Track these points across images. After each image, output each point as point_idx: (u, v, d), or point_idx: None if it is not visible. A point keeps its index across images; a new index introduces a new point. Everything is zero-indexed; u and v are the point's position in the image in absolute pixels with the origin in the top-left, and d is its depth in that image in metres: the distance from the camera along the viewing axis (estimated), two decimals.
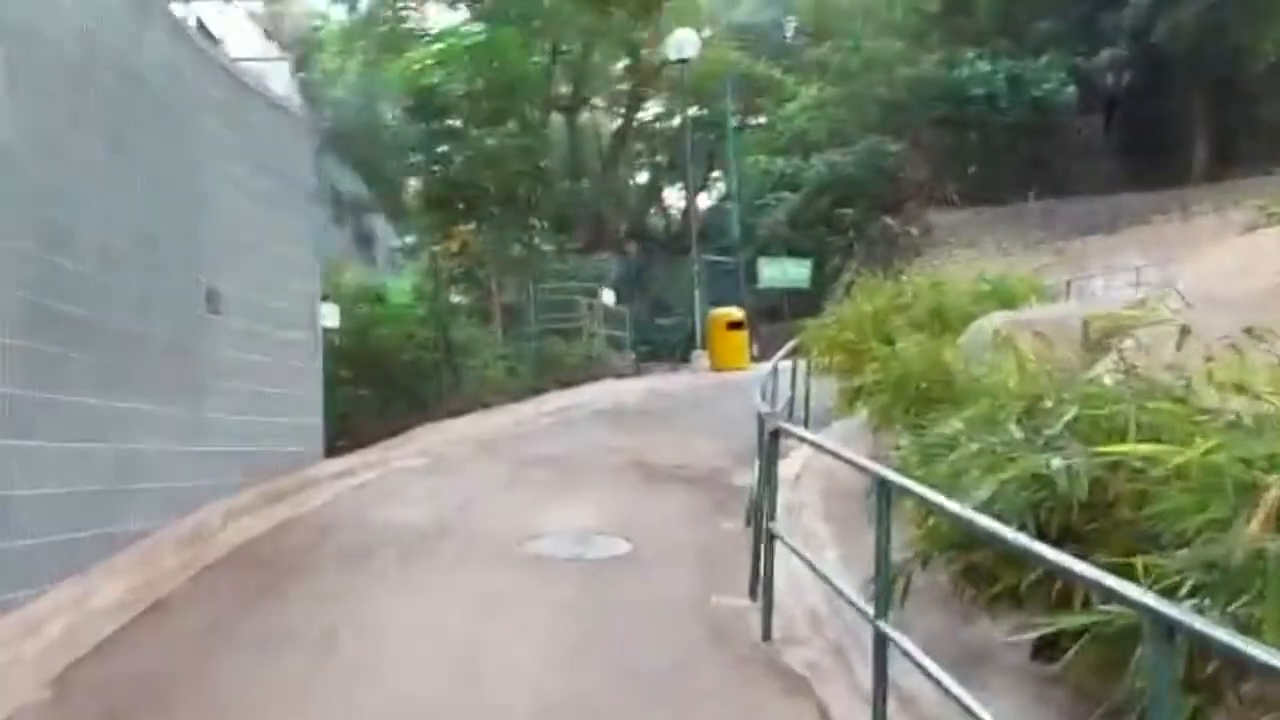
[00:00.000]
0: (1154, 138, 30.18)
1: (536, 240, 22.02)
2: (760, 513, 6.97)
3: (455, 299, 17.06)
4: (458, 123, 22.70)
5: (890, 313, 11.60)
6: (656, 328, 28.05)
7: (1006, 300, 13.29)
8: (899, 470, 5.82)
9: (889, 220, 28.06)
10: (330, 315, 12.82)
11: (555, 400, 17.08)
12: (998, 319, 11.94)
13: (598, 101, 36.58)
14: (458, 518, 9.24)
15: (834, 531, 8.36)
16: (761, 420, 7.34)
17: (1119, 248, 26.82)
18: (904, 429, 8.22)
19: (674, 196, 40.99)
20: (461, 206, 22.61)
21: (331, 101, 33.14)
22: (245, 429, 9.96)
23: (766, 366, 21.90)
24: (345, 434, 13.93)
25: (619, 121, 36.30)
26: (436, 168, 22.30)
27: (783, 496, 9.80)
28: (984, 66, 29.18)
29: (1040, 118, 29.02)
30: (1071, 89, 29.29)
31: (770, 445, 7.09)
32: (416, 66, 23.02)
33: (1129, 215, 28.29)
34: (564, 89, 31.47)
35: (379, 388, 14.34)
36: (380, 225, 36.03)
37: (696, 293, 21.65)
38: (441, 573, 7.63)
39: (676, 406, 15.94)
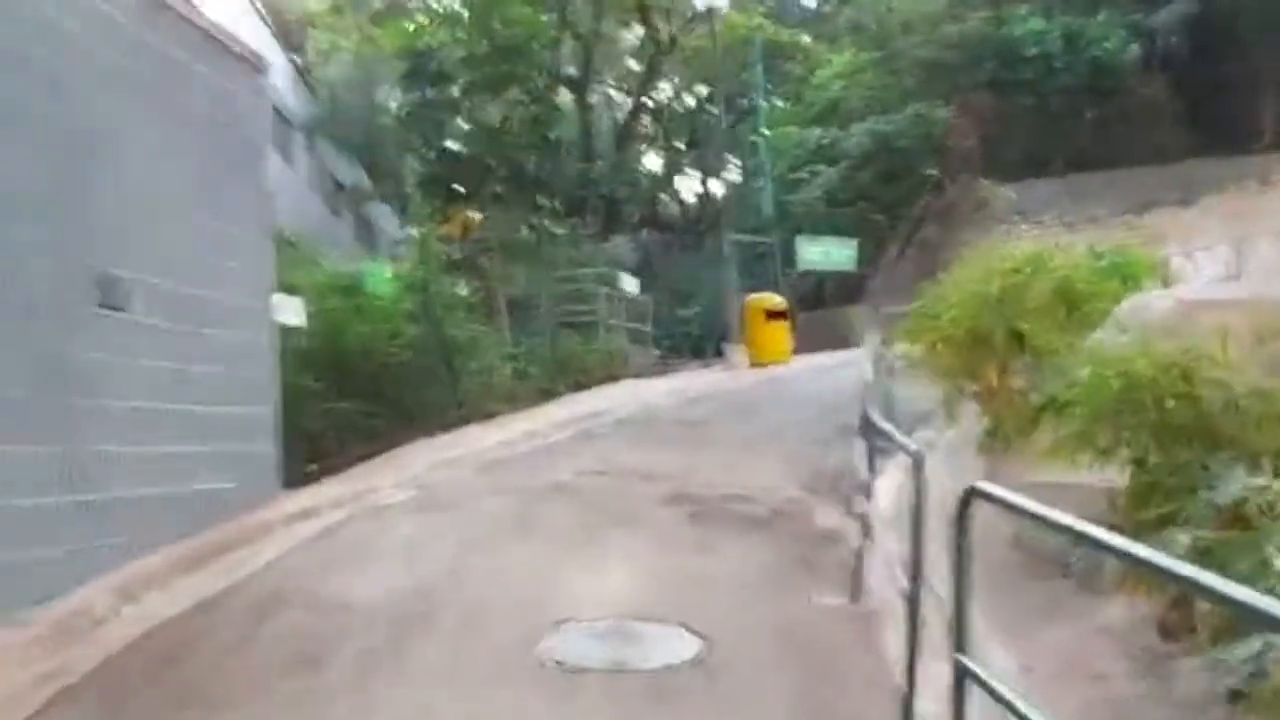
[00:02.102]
0: (1220, 101, 27.41)
1: (547, 223, 19.39)
2: (930, 630, 4.33)
3: (456, 290, 14.39)
4: (457, 91, 20.12)
5: (1010, 295, 8.91)
6: (676, 319, 25.43)
7: (1130, 278, 10.74)
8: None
9: (939, 194, 25.31)
10: (293, 311, 10.22)
11: (572, 407, 14.47)
12: (1155, 302, 9.36)
13: (609, 80, 33.88)
14: (447, 588, 6.64)
15: (996, 619, 5.73)
16: (916, 463, 4.69)
17: (1197, 220, 24.07)
18: (1125, 463, 5.54)
19: (690, 181, 38.39)
20: (462, 186, 20.10)
21: (327, 82, 30.70)
22: (161, 466, 7.40)
23: (816, 361, 19.38)
24: (317, 457, 11.38)
25: (632, 101, 33.59)
26: (434, 142, 19.70)
27: (885, 544, 7.24)
28: (1038, 24, 26.38)
29: (1100, 80, 26.18)
30: (1134, 48, 26.47)
31: (959, 525, 4.31)
32: (411, 28, 20.52)
33: (1202, 184, 25.51)
34: (572, 69, 28.87)
35: (358, 399, 11.75)
36: (384, 216, 33.58)
37: (731, 279, 18.91)
38: (416, 700, 5.03)
39: (718, 413, 13.29)
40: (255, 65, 9.52)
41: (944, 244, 26.47)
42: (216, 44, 8.84)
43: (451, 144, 19.20)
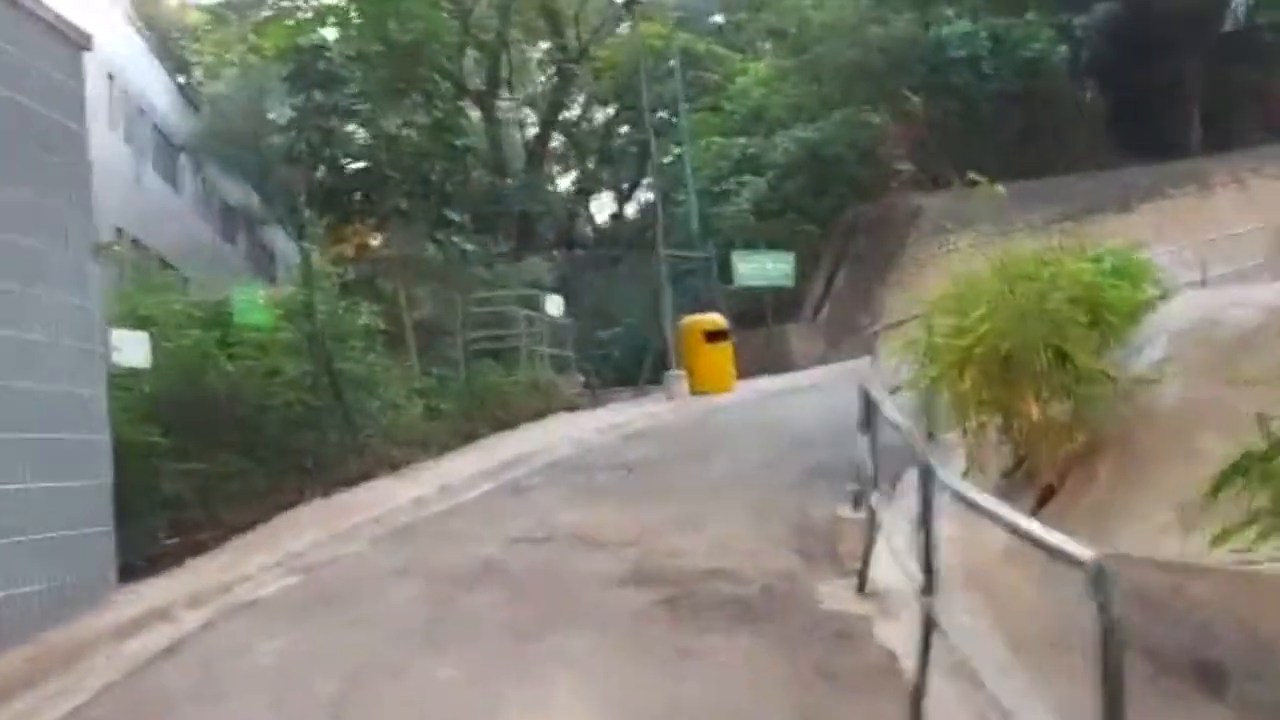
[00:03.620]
0: (1148, 105, 26.85)
1: (456, 239, 17.29)
2: None
3: (351, 316, 12.23)
4: (349, 95, 17.94)
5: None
6: (597, 343, 23.51)
7: (1136, 283, 9.21)
8: None
9: (870, 204, 23.98)
10: (136, 350, 8.03)
11: (495, 450, 12.43)
12: (1196, 307, 7.81)
13: (519, 96, 31.93)
14: None
15: None
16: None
17: (1138, 226, 23.14)
18: None
19: (606, 198, 36.67)
20: (358, 200, 17.90)
21: (212, 99, 28.12)
22: None
23: (761, 385, 17.59)
24: (179, 529, 9.18)
25: (542, 116, 31.69)
26: (323, 151, 17.49)
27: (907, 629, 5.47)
28: (964, 25, 25.30)
29: (1031, 83, 25.20)
30: (1063, 49, 25.62)
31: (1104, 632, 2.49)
32: (291, 23, 18.32)
33: (1140, 190, 24.75)
34: (478, 81, 26.84)
35: (227, 454, 9.55)
36: (282, 239, 30.96)
37: (666, 298, 17.04)
38: None
39: (668, 454, 11.37)
40: (71, 38, 7.34)
41: (877, 256, 25.17)
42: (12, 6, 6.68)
43: (344, 153, 16.96)
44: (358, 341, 12.24)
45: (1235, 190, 25.01)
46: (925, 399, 7.83)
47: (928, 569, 4.78)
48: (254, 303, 10.24)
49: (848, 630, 5.85)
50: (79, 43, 7.49)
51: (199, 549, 9.03)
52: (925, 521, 4.86)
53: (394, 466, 11.51)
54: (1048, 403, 6.77)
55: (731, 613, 6.20)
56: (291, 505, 10.21)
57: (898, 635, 5.77)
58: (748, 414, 13.62)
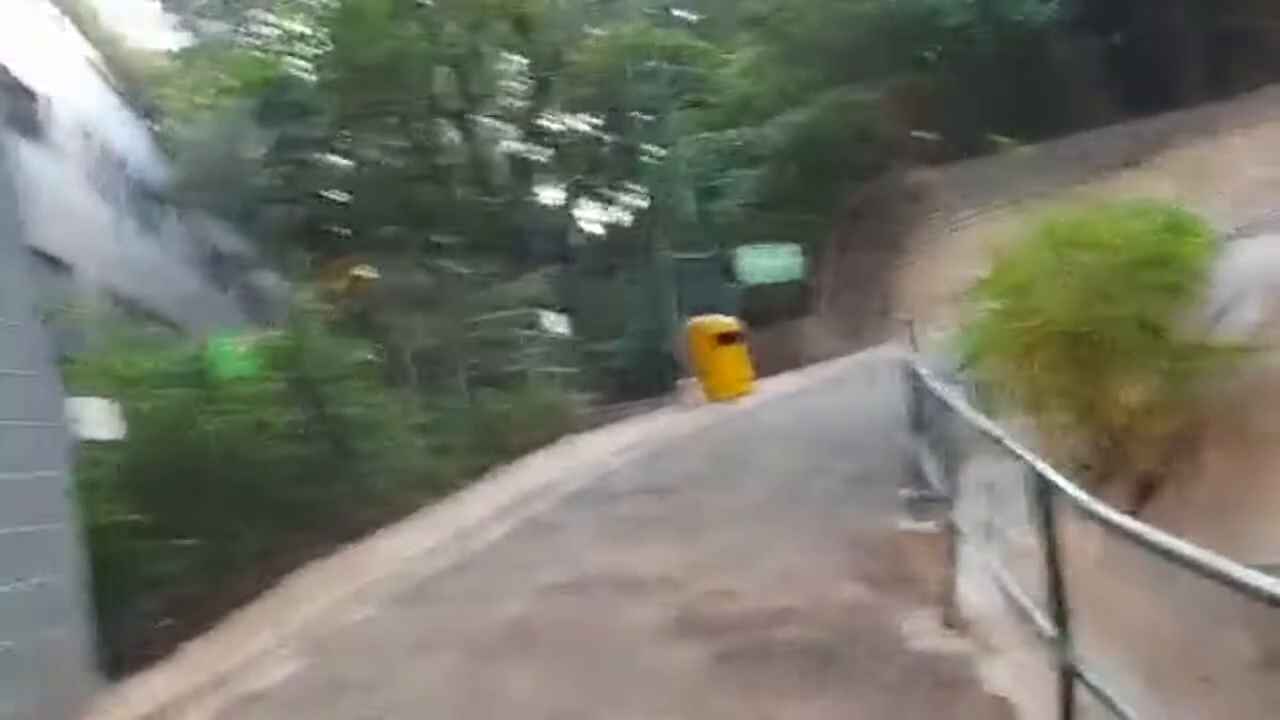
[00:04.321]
0: (1146, 55, 26.03)
1: (448, 263, 16.44)
2: None
3: (342, 355, 11.37)
4: (322, 125, 17.11)
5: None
6: (601, 355, 22.67)
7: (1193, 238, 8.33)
8: None
9: (871, 186, 23.15)
10: (100, 418, 7.18)
11: (507, 485, 11.58)
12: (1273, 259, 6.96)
13: (496, 110, 31.06)
14: None
15: None
16: None
17: (1153, 181, 22.27)
18: None
19: (597, 207, 35.75)
20: (342, 231, 17.07)
21: (187, 145, 27.30)
22: None
23: (781, 387, 16.70)
24: (175, 609, 8.33)
25: (521, 129, 30.80)
26: (302, 185, 16.64)
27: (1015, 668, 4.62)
28: None
29: (1024, 47, 24.36)
30: (1052, 6, 24.78)
31: None
32: (259, 54, 17.47)
33: (1147, 143, 23.87)
34: (453, 100, 25.94)
35: (219, 519, 8.69)
36: (273, 282, 30.09)
37: (671, 304, 16.15)
38: None
39: (696, 473, 10.48)
40: None
41: (884, 238, 24.33)
42: None
43: (324, 185, 16.14)
44: (354, 381, 11.38)
45: (1244, 136, 24.11)
46: (983, 390, 6.97)
47: (1059, 615, 3.90)
48: (232, 352, 9.41)
49: (949, 677, 4.98)
50: None
51: (197, 628, 8.17)
52: (1050, 553, 4.00)
53: (403, 512, 10.66)
54: (1139, 384, 5.91)
55: (806, 665, 5.33)
56: (296, 567, 9.37)
57: (1007, 678, 4.92)
58: (773, 419, 12.76)
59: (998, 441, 4.55)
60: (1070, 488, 3.71)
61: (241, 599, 8.66)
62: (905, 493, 7.77)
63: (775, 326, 19.90)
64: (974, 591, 5.84)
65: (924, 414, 7.62)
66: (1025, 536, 6.81)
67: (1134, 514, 5.85)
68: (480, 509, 10.40)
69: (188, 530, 8.63)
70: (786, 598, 6.31)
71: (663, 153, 25.31)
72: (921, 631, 5.62)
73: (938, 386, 6.01)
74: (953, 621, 5.63)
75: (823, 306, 21.91)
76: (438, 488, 11.47)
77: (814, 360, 18.87)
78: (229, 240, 27.24)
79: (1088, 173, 23.38)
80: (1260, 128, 24.32)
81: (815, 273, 21.70)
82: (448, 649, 6.34)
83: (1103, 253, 6.60)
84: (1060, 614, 3.89)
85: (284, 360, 10.16)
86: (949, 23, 24.08)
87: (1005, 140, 7.98)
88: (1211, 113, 24.58)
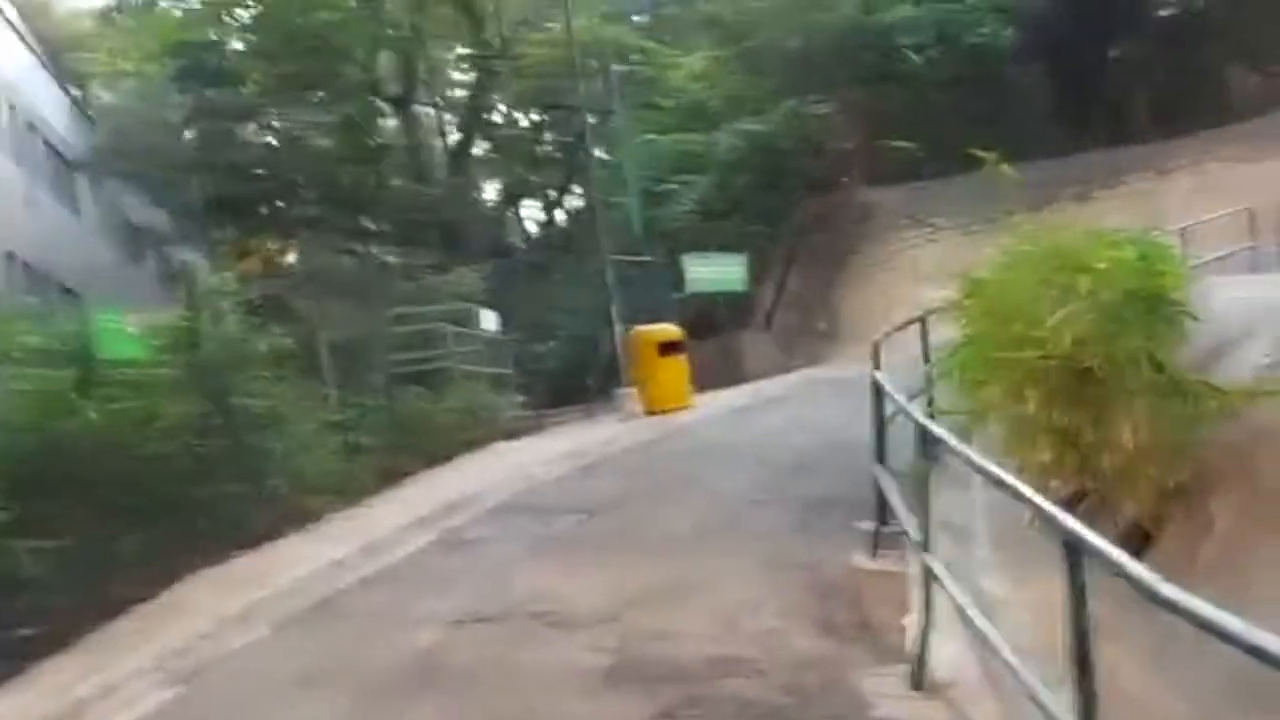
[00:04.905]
0: (1100, 89, 26.12)
1: (375, 250, 15.44)
2: None
3: (249, 343, 10.33)
4: (247, 93, 16.00)
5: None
6: (532, 357, 21.79)
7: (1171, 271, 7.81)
8: None
9: (821, 200, 22.65)
10: None
11: (427, 492, 10.66)
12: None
13: (438, 99, 29.94)
14: None
15: None
16: None
17: (1100, 215, 22.14)
18: None
19: (537, 204, 34.81)
20: (264, 210, 15.97)
21: (108, 112, 25.79)
22: None
23: (723, 400, 15.94)
24: (41, 616, 7.31)
25: (463, 119, 29.75)
26: (222, 156, 15.53)
27: None
28: (908, 10, 24.12)
29: (979, 69, 24.13)
30: (1009, 34, 24.60)
31: None
32: (179, 15, 16.28)
33: (1097, 178, 23.80)
34: (394, 85, 24.82)
35: (97, 519, 7.67)
36: (193, 259, 28.51)
37: (615, 306, 15.35)
38: None
39: (635, 489, 9.69)
40: None
41: (831, 255, 23.84)
42: None
43: (244, 158, 15.04)
44: (261, 371, 10.34)
45: (1193, 175, 24.18)
46: (966, 426, 6.31)
47: (1085, 711, 3.18)
48: (121, 331, 8.38)
49: None
50: None
51: (59, 642, 7.14)
52: (1078, 629, 3.28)
53: (308, 519, 9.69)
54: (1143, 425, 5.27)
55: None
56: (181, 576, 8.34)
57: None
58: (717, 435, 12.03)
59: (1007, 488, 3.82)
60: (1110, 549, 3.01)
61: (115, 610, 7.63)
62: (865, 525, 7.08)
63: (715, 338, 19.25)
64: (948, 648, 5.14)
65: (888, 442, 6.96)
66: (1002, 586, 6.20)
67: None
68: (395, 518, 9.48)
69: (59, 529, 7.62)
70: (733, 644, 5.57)
71: (608, 154, 24.51)
72: (887, 695, 4.91)
73: (924, 418, 5.30)
74: (922, 683, 4.93)
75: (765, 320, 21.30)
76: (350, 493, 10.50)
77: (751, 376, 18.21)
78: (149, 213, 25.80)
79: (1038, 201, 23.17)
80: (1208, 166, 24.44)
81: (760, 285, 21.09)
82: (341, 686, 5.47)
83: (1099, 281, 5.99)
84: (1087, 709, 3.18)
85: (183, 344, 9.12)
86: (906, 41, 23.73)
87: (988, 156, 7.31)
88: (1162, 150, 24.63)
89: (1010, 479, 3.90)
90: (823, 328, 21.50)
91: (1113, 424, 5.22)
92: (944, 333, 8.61)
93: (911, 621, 5.68)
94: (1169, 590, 2.51)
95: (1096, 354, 5.20)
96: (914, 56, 23.39)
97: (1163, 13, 25.50)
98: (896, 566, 6.66)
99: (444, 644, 5.98)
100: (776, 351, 19.82)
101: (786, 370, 18.55)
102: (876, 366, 7.83)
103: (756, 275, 20.62)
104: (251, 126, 15.98)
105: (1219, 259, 15.40)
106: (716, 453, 10.85)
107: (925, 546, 5.02)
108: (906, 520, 6.00)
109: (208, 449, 8.91)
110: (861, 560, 6.91)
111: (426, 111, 28.36)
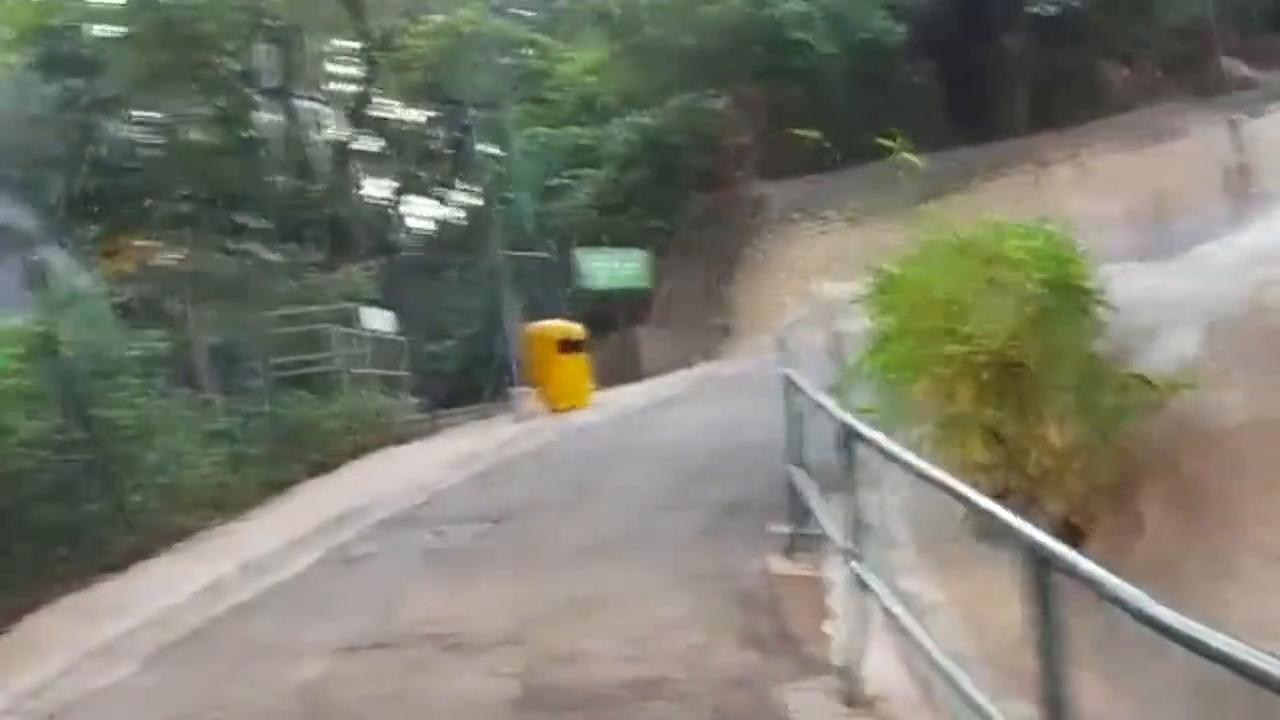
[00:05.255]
0: (981, 85, 26.76)
1: (255, 248, 14.60)
2: None
3: (117, 349, 9.54)
4: (110, 84, 14.97)
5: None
6: (427, 357, 21.12)
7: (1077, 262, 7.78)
8: None
9: (715, 194, 22.51)
10: None
11: (312, 504, 10.02)
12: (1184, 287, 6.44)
13: (320, 94, 28.80)
14: None
15: None
16: None
17: (983, 206, 22.53)
18: None
19: (427, 201, 33.93)
20: (134, 206, 14.97)
21: None
22: None
23: (624, 399, 15.59)
24: None
25: (347, 114, 28.69)
26: (84, 150, 14.49)
27: None
28: (800, 5, 24.16)
29: (870, 65, 24.37)
30: (899, 30, 24.91)
31: None
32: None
33: (979, 171, 24.29)
34: (272, 79, 23.66)
35: None
36: (59, 259, 26.80)
37: (511, 306, 14.83)
38: None
39: (537, 495, 9.25)
40: None
41: (724, 250, 23.73)
42: None
43: (112, 152, 14.05)
44: (131, 379, 9.57)
45: (1072, 168, 24.88)
46: (885, 424, 6.07)
47: None
48: None
49: None
50: None
51: None
52: (1048, 651, 3.00)
53: (183, 537, 8.97)
54: (1071, 421, 5.09)
55: None
56: (38, 605, 7.59)
57: None
58: (620, 436, 11.67)
59: (969, 503, 3.52)
60: (1085, 564, 2.73)
61: None
62: (781, 529, 6.81)
63: (612, 335, 18.88)
64: (875, 657, 4.87)
65: (806, 441, 6.69)
66: (927, 587, 5.98)
67: None
68: (277, 534, 8.84)
69: None
70: (652, 663, 5.21)
71: (499, 149, 23.93)
72: (816, 710, 4.61)
73: (850, 417, 5.00)
74: (855, 699, 4.64)
75: (661, 316, 21.05)
76: (229, 506, 9.78)
77: (653, 372, 17.93)
78: (10, 211, 24.12)
79: (923, 195, 23.50)
80: (1085, 159, 25.18)
81: (657, 280, 20.83)
82: None
83: (1022, 272, 5.82)
84: None
85: (38, 351, 8.33)
86: (796, 35, 23.78)
87: (893, 144, 7.11)
88: (1040, 143, 25.26)
89: (955, 482, 3.61)
90: (719, 323, 21.36)
91: (1042, 419, 5.02)
92: (846, 325, 8.46)
93: (834, 629, 5.43)
94: (1164, 614, 2.22)
95: (1031, 348, 4.98)
96: (810, 46, 23.45)
97: (1040, 10, 26.08)
98: (813, 570, 6.41)
99: (331, 676, 5.46)
100: (674, 347, 19.56)
101: (685, 365, 18.32)
102: (782, 362, 7.58)
103: (655, 271, 20.40)
104: (120, 118, 14.95)
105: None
106: (621, 454, 10.49)
107: (855, 555, 4.73)
108: (829, 525, 5.74)
109: (67, 465, 8.14)
110: (778, 565, 6.64)
111: (311, 106, 27.24)
